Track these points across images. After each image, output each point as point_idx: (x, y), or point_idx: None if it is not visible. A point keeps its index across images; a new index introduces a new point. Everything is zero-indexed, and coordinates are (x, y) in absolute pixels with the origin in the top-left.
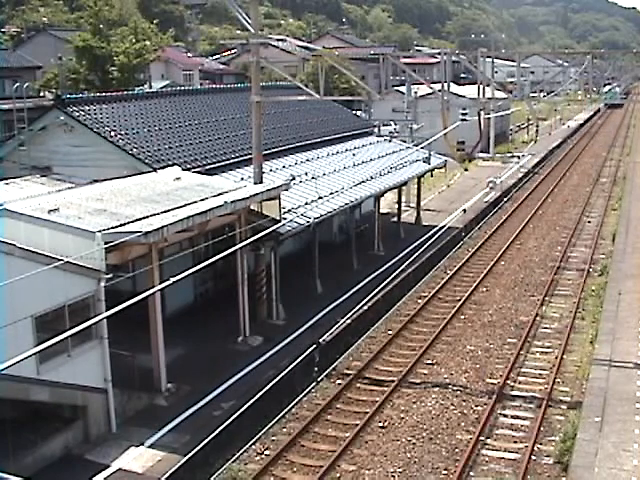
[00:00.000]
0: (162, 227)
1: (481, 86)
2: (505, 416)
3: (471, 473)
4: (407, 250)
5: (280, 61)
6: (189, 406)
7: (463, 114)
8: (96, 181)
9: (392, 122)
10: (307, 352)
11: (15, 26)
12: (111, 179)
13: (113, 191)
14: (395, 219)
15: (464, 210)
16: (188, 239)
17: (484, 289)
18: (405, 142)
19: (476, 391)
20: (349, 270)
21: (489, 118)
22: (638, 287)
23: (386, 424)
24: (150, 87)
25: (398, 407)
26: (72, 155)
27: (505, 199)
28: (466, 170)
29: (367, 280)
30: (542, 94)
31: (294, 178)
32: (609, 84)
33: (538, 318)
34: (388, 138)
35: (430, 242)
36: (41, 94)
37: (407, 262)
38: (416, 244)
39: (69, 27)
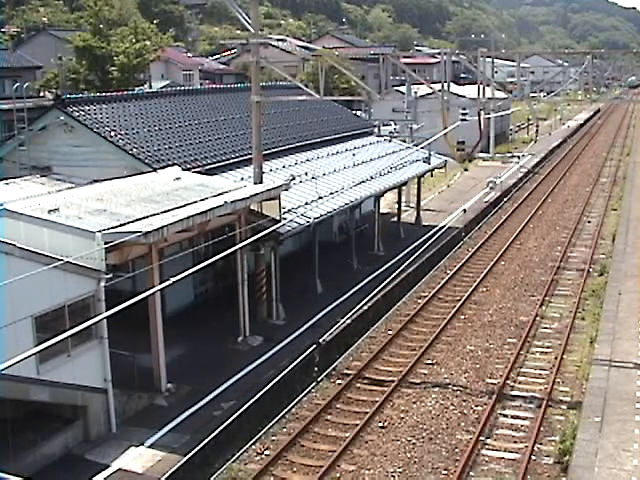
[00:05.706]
0: (162, 227)
1: (481, 86)
2: (505, 416)
3: (471, 473)
4: (407, 250)
5: (280, 61)
6: (189, 406)
7: (463, 114)
8: (96, 181)
9: (392, 122)
10: (307, 352)
11: (15, 26)
12: (111, 179)
13: (113, 191)
14: (395, 219)
15: (464, 210)
16: (188, 239)
17: (484, 289)
18: (405, 142)
19: (476, 391)
20: (349, 270)
21: (489, 118)
22: (638, 287)
23: (386, 424)
24: (150, 87)
25: (398, 407)
26: (72, 155)
27: (505, 199)
28: (466, 170)
29: (367, 280)
30: (542, 94)
31: (294, 178)
32: (634, 76)
33: (538, 318)
34: (388, 138)
35: (430, 242)
36: (41, 94)
37: (407, 262)
38: (416, 244)
39: (69, 27)
